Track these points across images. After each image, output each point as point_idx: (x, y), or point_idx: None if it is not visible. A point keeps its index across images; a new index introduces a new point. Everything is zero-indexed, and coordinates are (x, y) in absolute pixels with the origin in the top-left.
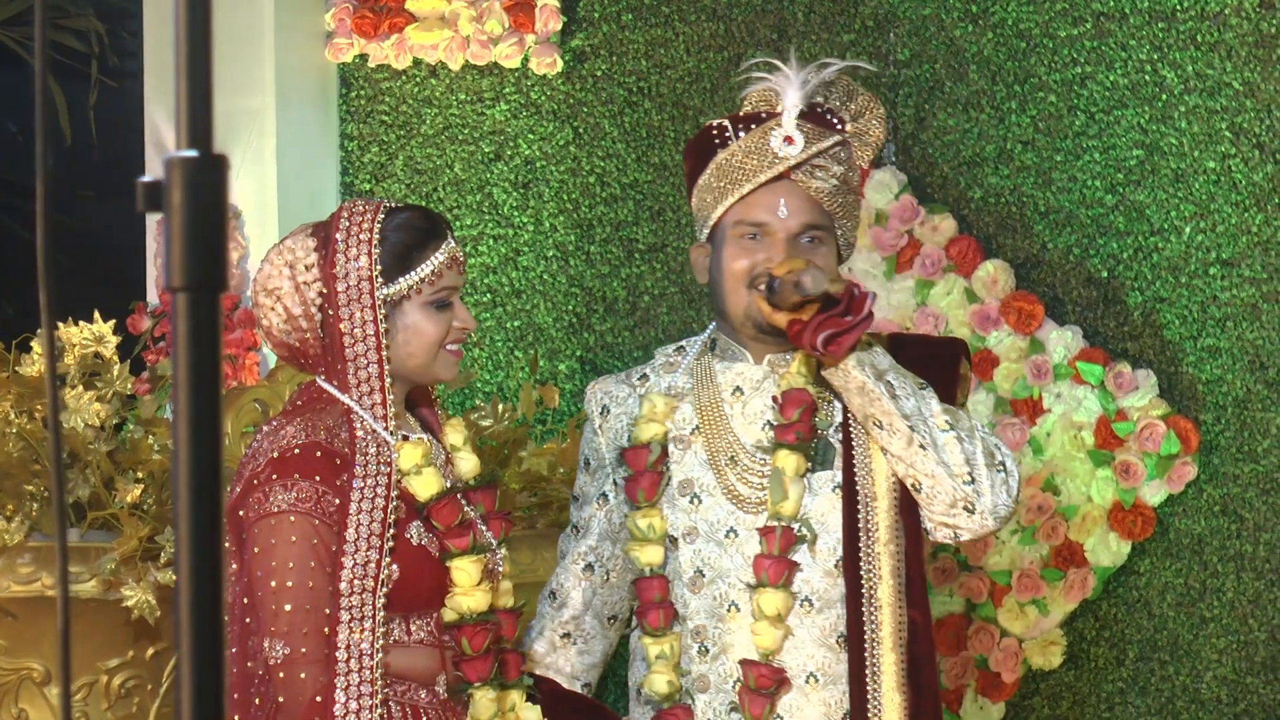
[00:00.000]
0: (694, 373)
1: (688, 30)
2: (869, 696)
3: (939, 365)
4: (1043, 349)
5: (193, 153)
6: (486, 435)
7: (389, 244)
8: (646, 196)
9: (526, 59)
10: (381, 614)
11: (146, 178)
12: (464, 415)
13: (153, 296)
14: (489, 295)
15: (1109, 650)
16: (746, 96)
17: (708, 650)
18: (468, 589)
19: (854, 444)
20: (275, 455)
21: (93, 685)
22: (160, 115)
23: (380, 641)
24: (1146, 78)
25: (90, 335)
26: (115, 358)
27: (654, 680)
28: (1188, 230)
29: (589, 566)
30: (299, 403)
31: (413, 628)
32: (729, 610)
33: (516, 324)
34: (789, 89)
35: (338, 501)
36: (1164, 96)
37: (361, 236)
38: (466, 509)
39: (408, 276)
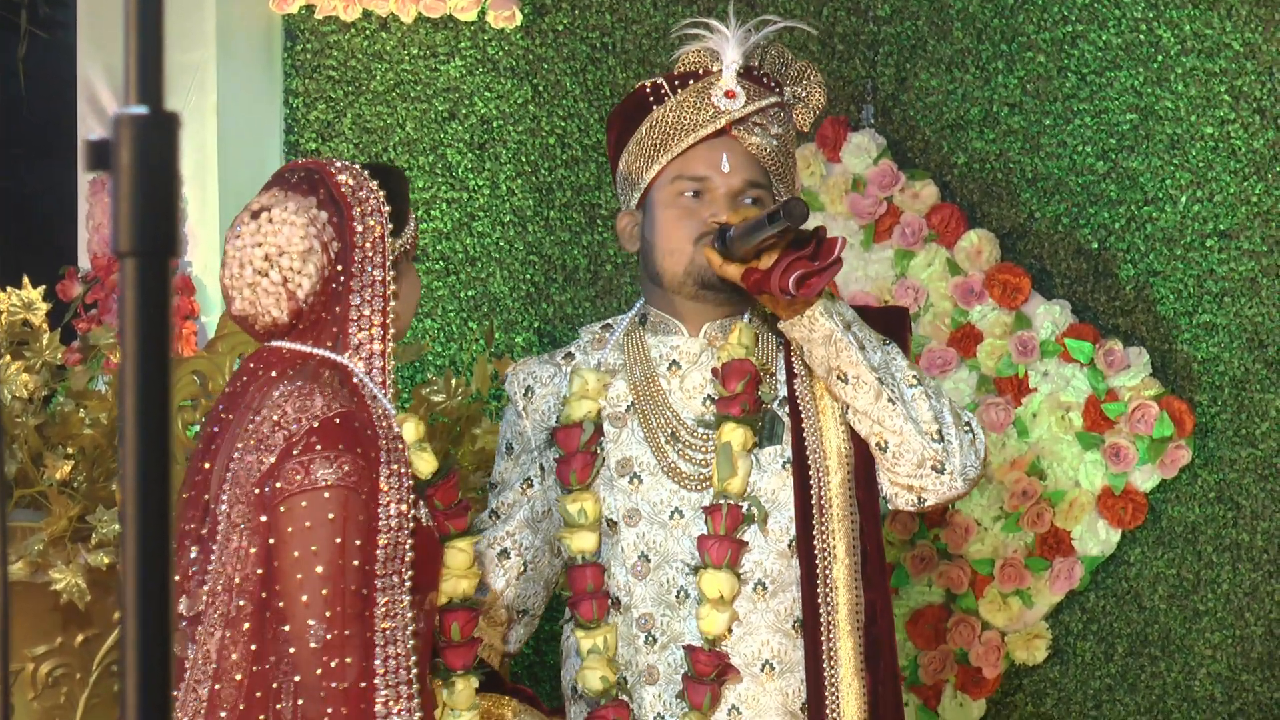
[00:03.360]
0: (624, 348)
1: None
2: (826, 683)
3: (887, 332)
4: (1029, 324)
5: (143, 109)
6: (438, 411)
7: (389, 197)
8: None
9: (483, 12)
10: (408, 598)
11: (93, 136)
12: (414, 390)
13: (84, 261)
14: (441, 263)
15: (1096, 645)
16: (680, 58)
17: (655, 639)
18: (462, 571)
19: (802, 417)
20: (316, 424)
21: (19, 673)
22: (94, 70)
23: (410, 627)
24: (1141, 37)
25: (18, 302)
26: (45, 326)
27: (587, 676)
28: (1183, 200)
29: (504, 552)
30: (285, 369)
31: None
32: (678, 596)
33: (471, 293)
34: (727, 47)
35: (372, 477)
36: (1160, 57)
37: (367, 193)
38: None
39: (405, 232)
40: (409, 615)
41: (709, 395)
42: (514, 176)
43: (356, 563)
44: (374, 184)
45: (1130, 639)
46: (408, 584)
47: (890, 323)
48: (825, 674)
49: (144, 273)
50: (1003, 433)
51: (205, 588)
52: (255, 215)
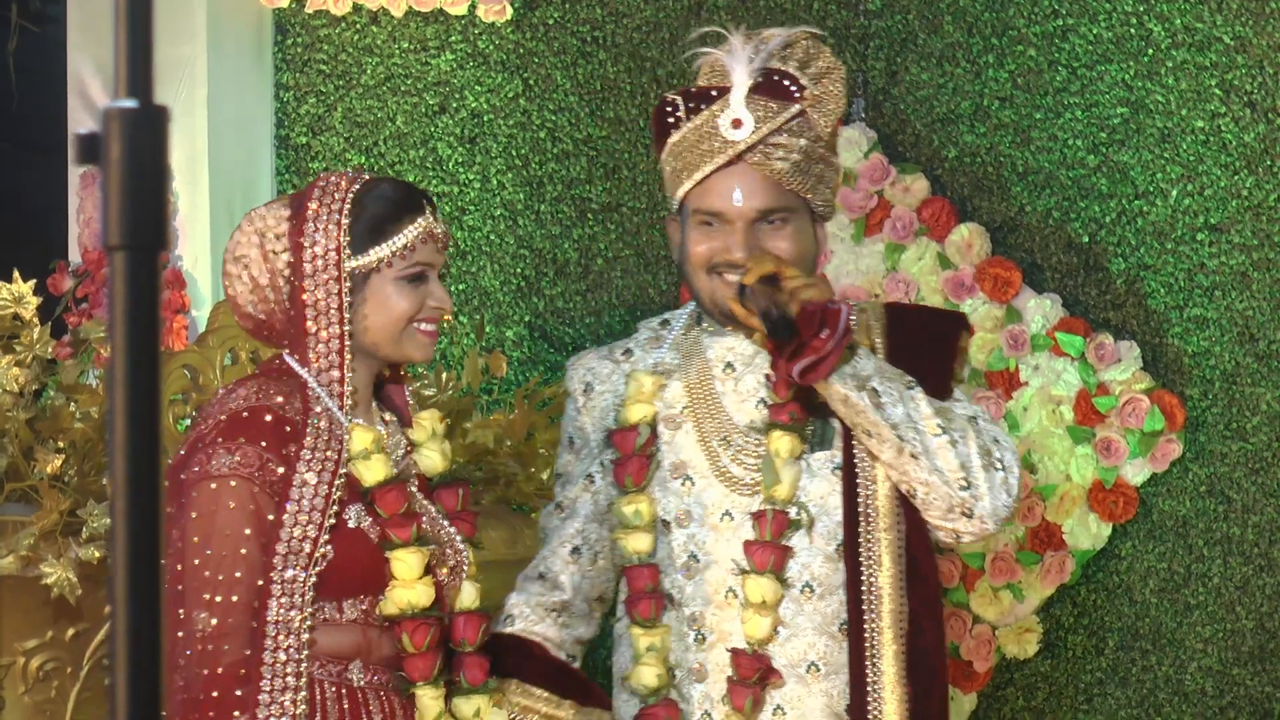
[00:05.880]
0: (681, 348)
1: None
2: (869, 688)
3: (937, 339)
4: (1020, 318)
5: (132, 103)
6: (429, 405)
7: (363, 214)
8: (600, 153)
9: (474, 5)
10: (311, 594)
11: (82, 129)
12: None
13: (75, 255)
14: None
15: (1087, 639)
16: (702, 66)
17: (704, 638)
18: (408, 582)
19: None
20: (224, 418)
21: (9, 668)
22: (84, 63)
23: (308, 621)
24: (1132, 30)
25: (8, 295)
26: (35, 319)
27: (643, 673)
28: (1174, 193)
29: (576, 550)
30: (258, 372)
31: (345, 607)
32: (726, 596)
33: (462, 287)
34: (736, 65)
35: (281, 470)
36: (1150, 51)
37: (333, 206)
38: (422, 501)
39: (379, 249)
40: (308, 611)
41: (762, 399)
42: (504, 170)
43: (244, 551)
44: (346, 198)
45: (1121, 633)
46: (311, 577)
47: (942, 329)
48: (869, 678)
49: (133, 266)
50: None
51: None
52: None
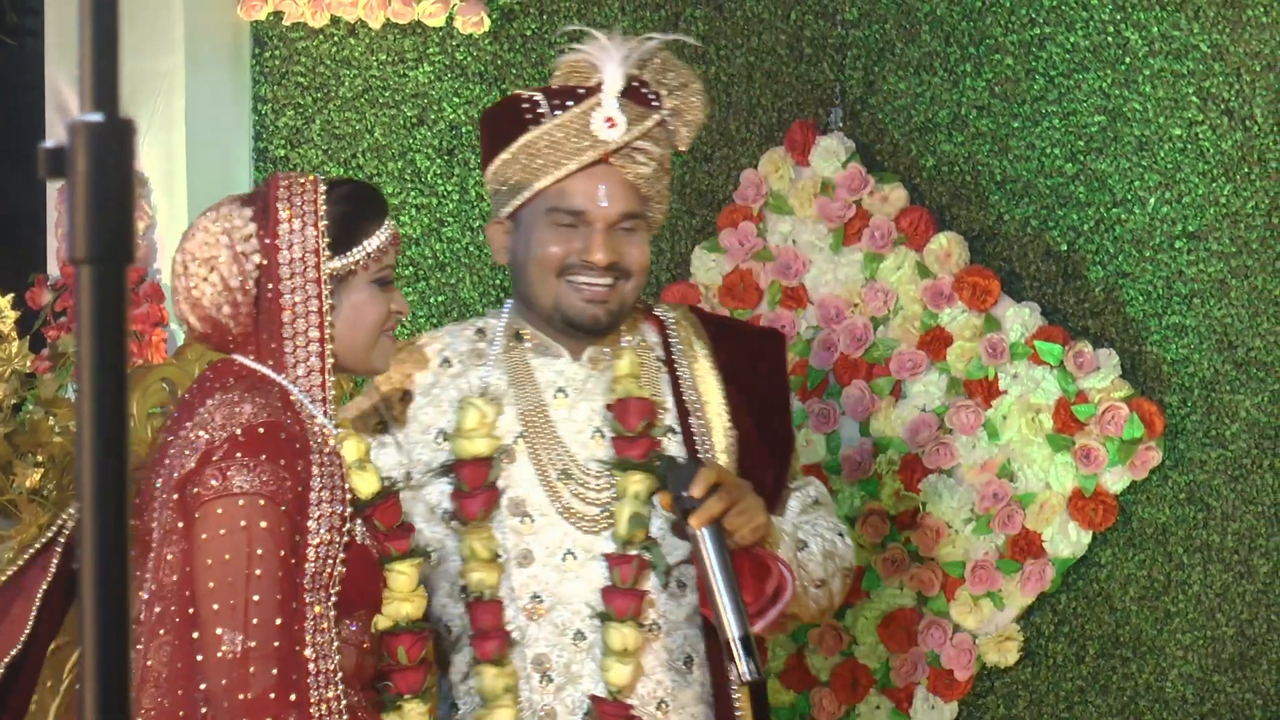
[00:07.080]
0: (507, 368)
1: None
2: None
3: (767, 360)
4: (999, 327)
5: (98, 116)
6: None
7: (334, 216)
8: None
9: (451, 17)
10: (333, 613)
11: (49, 143)
12: None
13: (53, 269)
14: (411, 268)
15: (1068, 646)
16: (560, 67)
17: (551, 680)
18: (406, 594)
19: (697, 450)
20: (238, 432)
21: None
22: (62, 76)
23: (335, 644)
24: (1109, 39)
25: None
26: (14, 333)
27: (501, 716)
28: (1152, 201)
29: None
30: (229, 380)
31: (340, 627)
32: (574, 639)
33: (440, 299)
34: (609, 64)
35: (300, 489)
36: (1127, 59)
37: (306, 207)
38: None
39: (354, 251)
40: (334, 631)
41: (598, 428)
42: (482, 182)
43: (281, 574)
44: (318, 199)
45: (1101, 640)
46: (333, 599)
47: (764, 348)
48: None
49: (100, 280)
50: (973, 435)
51: (144, 594)
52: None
